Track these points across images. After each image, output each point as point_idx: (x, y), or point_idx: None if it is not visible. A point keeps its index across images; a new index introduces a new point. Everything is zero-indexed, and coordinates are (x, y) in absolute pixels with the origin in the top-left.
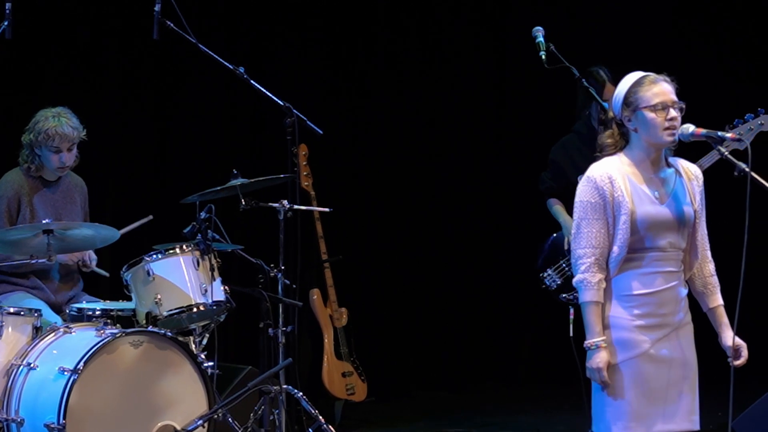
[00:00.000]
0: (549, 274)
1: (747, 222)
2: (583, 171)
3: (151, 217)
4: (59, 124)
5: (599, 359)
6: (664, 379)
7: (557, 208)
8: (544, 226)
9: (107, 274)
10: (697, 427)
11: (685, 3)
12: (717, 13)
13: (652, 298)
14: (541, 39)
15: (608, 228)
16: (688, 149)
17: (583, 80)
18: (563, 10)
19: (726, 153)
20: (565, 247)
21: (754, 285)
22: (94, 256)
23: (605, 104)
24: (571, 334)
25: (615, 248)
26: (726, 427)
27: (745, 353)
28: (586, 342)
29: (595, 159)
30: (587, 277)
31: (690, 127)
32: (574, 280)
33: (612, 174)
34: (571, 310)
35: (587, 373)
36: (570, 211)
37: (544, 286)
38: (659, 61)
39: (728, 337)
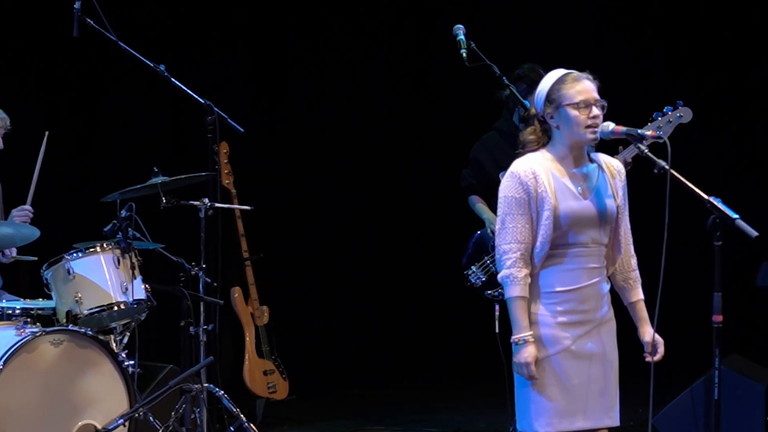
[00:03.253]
0: (473, 272)
1: (667, 219)
2: (504, 168)
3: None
4: None
5: (527, 354)
6: (585, 375)
7: (480, 205)
8: (466, 224)
9: (35, 258)
10: (617, 423)
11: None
12: (636, 12)
13: (574, 294)
14: (462, 37)
15: (532, 223)
16: (609, 144)
17: (504, 78)
18: (485, 8)
19: (646, 151)
20: (491, 244)
21: (674, 281)
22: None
23: (527, 102)
24: (497, 331)
25: (538, 244)
26: (647, 424)
27: (661, 349)
28: (513, 337)
29: (516, 156)
30: (513, 273)
31: (610, 125)
32: (500, 275)
33: (536, 169)
34: (497, 307)
35: (514, 368)
36: (492, 208)
37: (468, 284)
38: (581, 59)
39: (646, 332)
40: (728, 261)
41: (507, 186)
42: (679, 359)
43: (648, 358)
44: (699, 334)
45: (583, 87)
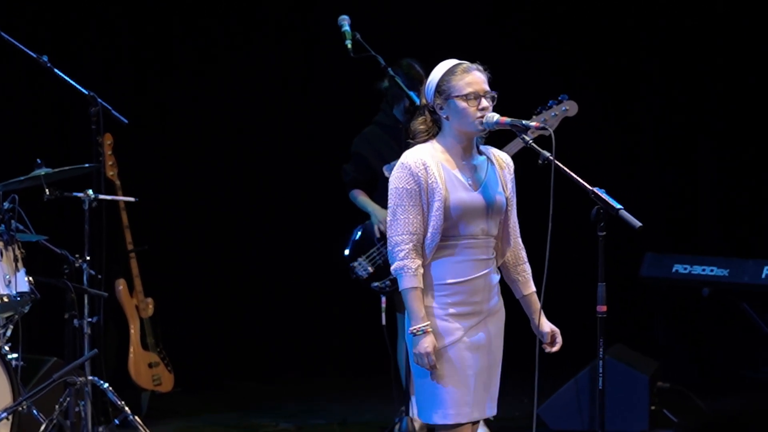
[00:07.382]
0: (360, 264)
1: (551, 210)
2: (388, 161)
3: None
4: None
5: (426, 344)
6: (477, 366)
7: (362, 198)
8: (348, 217)
9: None
10: (495, 413)
11: None
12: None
13: (464, 286)
14: (347, 28)
15: (424, 214)
16: (497, 137)
17: (390, 69)
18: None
19: (530, 141)
20: (377, 236)
21: (559, 271)
22: None
23: (412, 94)
24: (383, 323)
25: (429, 234)
26: (532, 414)
27: (559, 339)
28: (410, 328)
29: (400, 149)
30: (407, 264)
31: (495, 116)
32: (393, 267)
33: (426, 160)
34: (383, 299)
35: (414, 359)
36: (376, 200)
37: (354, 276)
38: (467, 51)
39: (542, 323)
40: (612, 251)
41: (397, 177)
42: (563, 349)
43: (547, 349)
44: (583, 324)
45: (473, 78)
